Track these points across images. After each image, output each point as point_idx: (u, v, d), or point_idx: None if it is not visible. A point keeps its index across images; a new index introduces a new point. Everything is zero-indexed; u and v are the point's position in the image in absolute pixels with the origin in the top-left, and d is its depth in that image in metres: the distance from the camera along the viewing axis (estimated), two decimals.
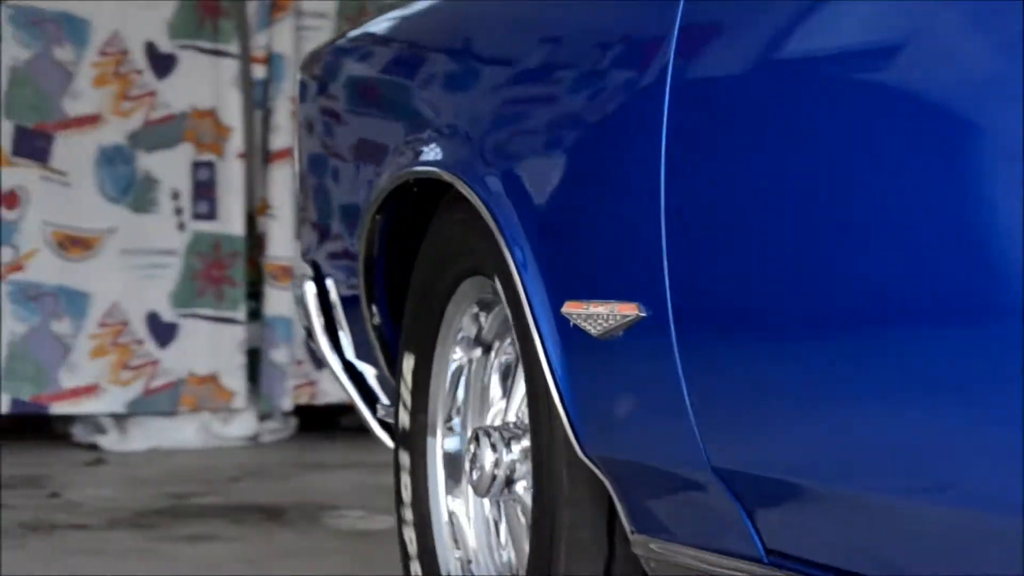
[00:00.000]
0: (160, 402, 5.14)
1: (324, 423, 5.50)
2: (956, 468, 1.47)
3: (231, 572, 3.45)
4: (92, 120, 5.23)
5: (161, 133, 5.31)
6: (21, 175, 5.15)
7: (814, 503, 1.73)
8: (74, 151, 5.20)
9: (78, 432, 5.16)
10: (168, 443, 5.15)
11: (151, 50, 5.27)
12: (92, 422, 5.10)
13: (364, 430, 2.90)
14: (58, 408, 5.19)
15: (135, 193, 5.24)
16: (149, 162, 5.22)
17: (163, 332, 5.28)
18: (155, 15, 5.25)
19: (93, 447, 5.10)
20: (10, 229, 5.13)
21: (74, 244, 5.26)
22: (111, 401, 5.07)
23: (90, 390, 5.12)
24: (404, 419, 2.43)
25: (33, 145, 5.18)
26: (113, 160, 5.22)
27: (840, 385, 1.58)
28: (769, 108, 1.62)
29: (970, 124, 1.41)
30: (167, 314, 5.35)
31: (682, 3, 1.74)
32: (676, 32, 1.75)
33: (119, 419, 5.14)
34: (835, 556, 1.70)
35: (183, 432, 5.19)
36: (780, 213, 1.63)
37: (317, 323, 2.71)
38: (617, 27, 1.93)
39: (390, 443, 2.55)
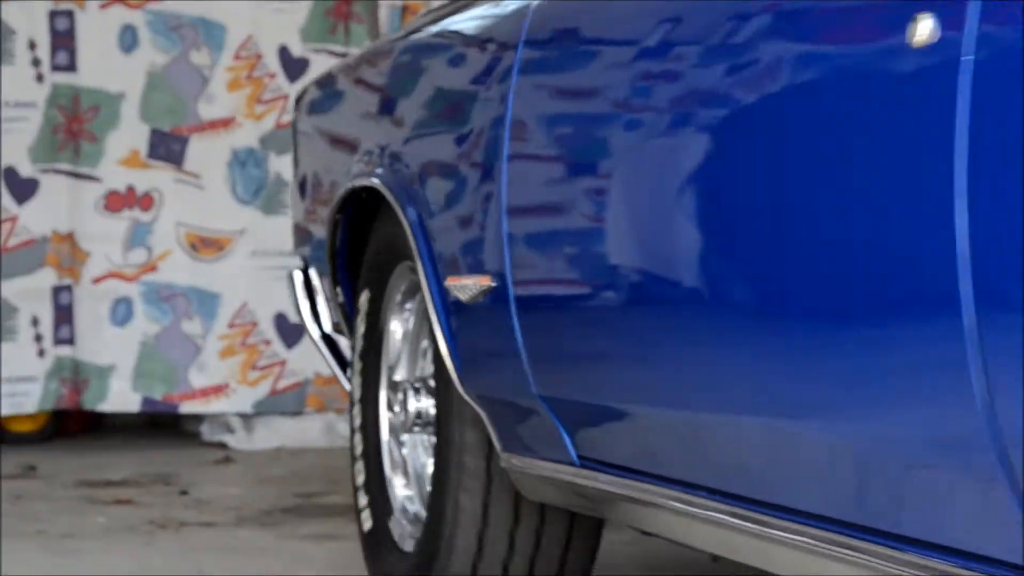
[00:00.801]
0: (287, 402, 5.35)
1: None
2: (704, 385, 2.16)
3: (356, 572, 3.56)
4: (225, 123, 5.49)
5: None
6: (156, 177, 5.42)
7: (611, 420, 2.46)
8: (207, 154, 5.46)
9: (206, 431, 5.38)
10: (294, 442, 5.35)
11: (284, 54, 5.53)
12: (220, 421, 5.30)
13: None
14: (188, 407, 5.42)
15: (265, 195, 5.49)
16: (280, 165, 5.42)
17: (290, 333, 5.49)
18: (288, 19, 5.49)
19: (221, 446, 5.30)
20: (144, 231, 5.40)
21: (206, 245, 5.51)
22: (239, 401, 5.30)
23: (219, 390, 5.33)
24: (357, 373, 3.30)
25: (168, 148, 5.44)
26: (245, 163, 5.49)
27: (623, 334, 2.35)
28: (569, 137, 2.45)
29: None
30: (294, 316, 5.50)
31: (520, 49, 2.54)
32: (509, 114, 2.56)
33: (246, 418, 5.35)
34: (626, 459, 2.42)
35: (309, 432, 5.40)
36: (570, 211, 2.45)
37: (303, 303, 3.55)
38: (466, 80, 2.79)
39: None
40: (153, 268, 5.47)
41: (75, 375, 5.21)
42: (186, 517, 4.26)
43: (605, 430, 2.62)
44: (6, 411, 5.27)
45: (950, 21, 1.61)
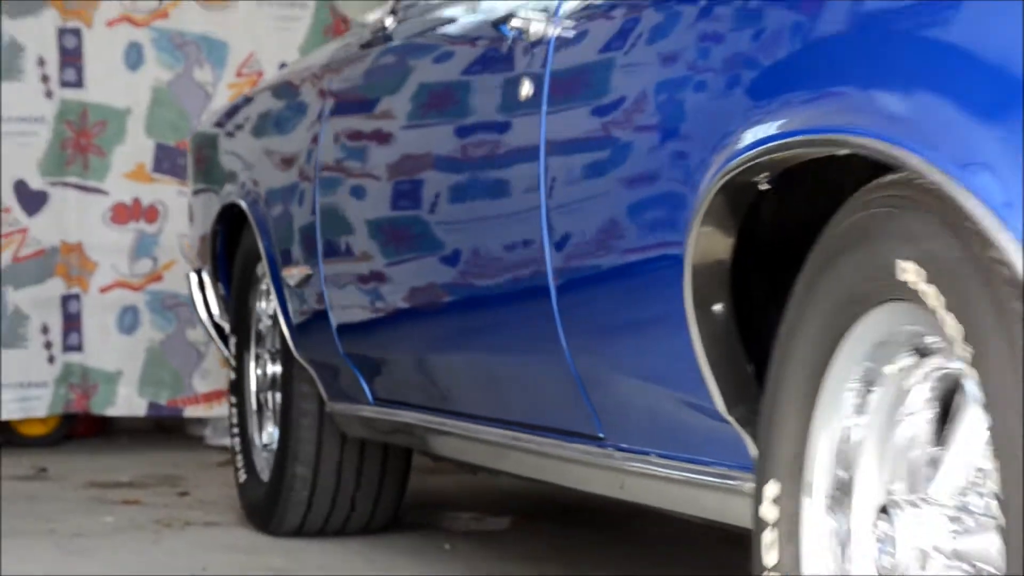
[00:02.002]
0: None
1: None
2: (433, 343, 3.29)
3: (353, 570, 3.86)
4: None
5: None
6: (161, 191, 5.66)
7: (390, 369, 3.51)
8: None
9: (210, 434, 5.67)
10: None
11: None
12: (223, 425, 5.58)
13: None
14: (191, 412, 5.67)
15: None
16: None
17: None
18: (288, 37, 5.73)
19: (224, 449, 5.51)
20: (150, 242, 5.64)
21: None
22: None
23: (220, 395, 5.54)
24: (232, 345, 4.42)
25: (173, 162, 5.66)
26: None
27: (391, 308, 3.41)
28: (355, 170, 3.57)
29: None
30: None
31: (327, 107, 3.73)
32: (319, 150, 3.79)
33: None
34: (407, 396, 3.48)
35: None
36: (358, 221, 3.52)
37: (196, 298, 4.55)
38: (290, 126, 4.01)
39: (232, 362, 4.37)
40: (159, 278, 5.69)
41: (84, 381, 5.44)
42: (191, 517, 4.41)
43: (387, 376, 3.56)
44: (18, 415, 5.50)
45: (534, 87, 2.67)
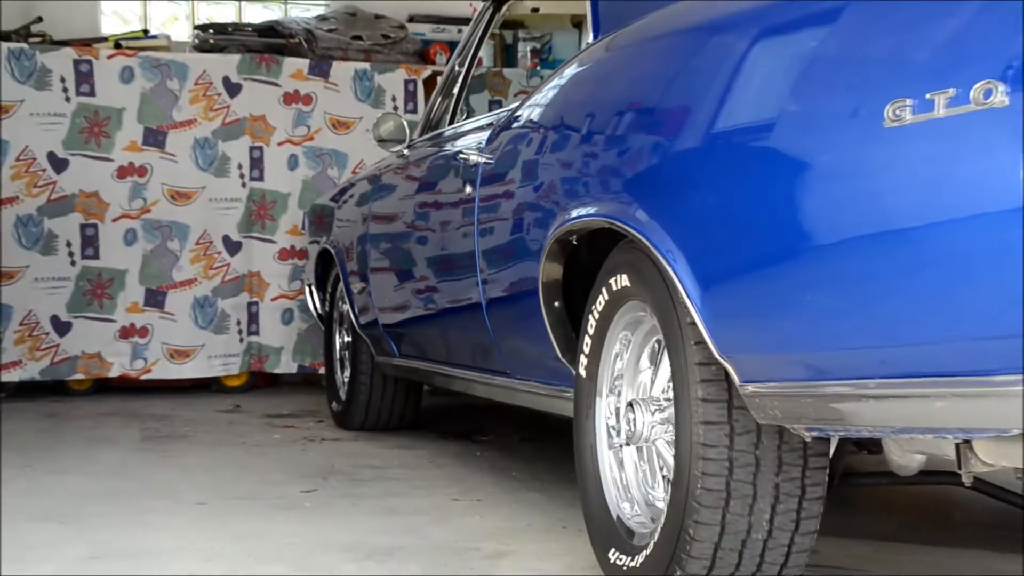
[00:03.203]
0: None
1: None
2: (427, 315, 3.89)
3: (424, 471, 3.99)
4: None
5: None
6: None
7: (405, 335, 4.21)
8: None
9: None
10: None
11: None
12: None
13: None
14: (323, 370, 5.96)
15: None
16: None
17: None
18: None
19: None
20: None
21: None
22: None
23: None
24: (325, 323, 5.23)
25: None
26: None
27: (402, 294, 4.03)
28: (383, 226, 4.25)
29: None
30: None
31: (372, 196, 4.49)
32: (370, 217, 4.47)
33: None
34: (414, 352, 4.20)
35: None
36: (387, 245, 4.17)
37: (309, 300, 5.30)
38: (352, 204, 4.74)
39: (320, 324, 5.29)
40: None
41: (260, 353, 6.16)
42: (324, 435, 4.74)
43: (404, 340, 4.24)
44: (220, 373, 6.14)
45: (472, 188, 3.32)
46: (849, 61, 1.85)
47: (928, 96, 1.67)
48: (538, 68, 6.62)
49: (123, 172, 5.82)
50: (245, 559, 2.81)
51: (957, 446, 1.96)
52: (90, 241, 5.78)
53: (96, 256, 5.80)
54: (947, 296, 1.68)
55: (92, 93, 5.79)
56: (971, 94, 1.62)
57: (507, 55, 6.92)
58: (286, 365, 6.13)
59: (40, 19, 6.09)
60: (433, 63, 6.42)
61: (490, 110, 4.17)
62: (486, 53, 6.76)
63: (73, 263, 5.78)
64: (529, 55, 6.65)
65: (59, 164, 5.74)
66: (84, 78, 5.80)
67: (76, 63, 5.80)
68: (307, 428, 4.90)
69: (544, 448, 4.40)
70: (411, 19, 6.75)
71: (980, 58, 1.63)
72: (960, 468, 1.98)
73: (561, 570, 2.69)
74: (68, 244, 5.77)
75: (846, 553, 2.90)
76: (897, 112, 1.72)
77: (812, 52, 1.92)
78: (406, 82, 6.20)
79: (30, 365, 5.73)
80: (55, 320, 5.77)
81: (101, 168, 5.82)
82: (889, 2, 1.78)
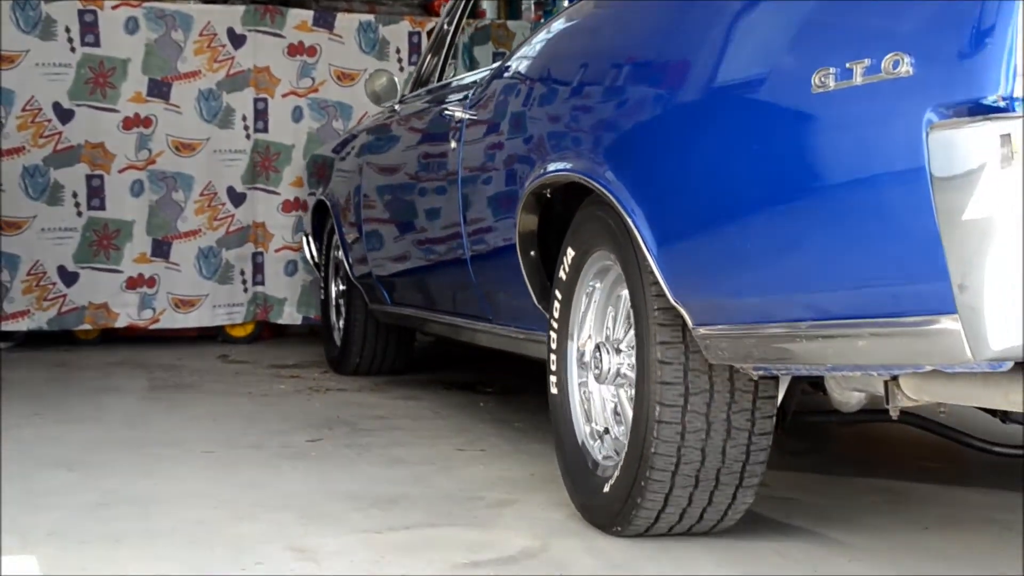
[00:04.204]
0: None
1: None
2: (413, 267, 4.20)
3: (429, 419, 4.07)
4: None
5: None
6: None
7: (395, 284, 4.43)
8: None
9: None
10: None
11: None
12: None
13: None
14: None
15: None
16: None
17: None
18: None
19: None
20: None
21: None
22: None
23: None
24: (322, 268, 5.46)
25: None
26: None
27: (391, 245, 4.33)
28: (375, 178, 4.56)
29: None
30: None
31: (365, 149, 4.79)
32: (362, 168, 4.78)
33: None
34: (405, 300, 4.42)
35: None
36: (378, 200, 4.45)
37: (306, 249, 5.57)
38: (350, 155, 4.97)
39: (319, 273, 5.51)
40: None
41: (265, 303, 6.35)
42: (329, 385, 4.88)
43: (395, 288, 4.48)
44: (224, 322, 6.36)
45: (456, 142, 3.53)
46: (782, 32, 2.10)
47: (848, 65, 1.93)
48: (542, 20, 6.59)
49: (128, 123, 5.99)
50: (251, 507, 2.88)
51: (885, 383, 2.22)
52: (96, 192, 5.96)
53: (102, 207, 5.98)
54: (865, 246, 1.94)
55: (97, 43, 5.96)
56: (882, 64, 1.88)
57: (511, 7, 7.11)
58: (290, 316, 6.31)
59: None
60: (438, 15, 6.48)
61: (493, 62, 4.38)
62: (490, 6, 7.01)
63: (79, 214, 5.96)
64: (533, 7, 6.79)
65: (65, 115, 5.91)
66: (89, 28, 5.95)
67: (81, 13, 5.97)
68: (312, 379, 5.02)
69: (546, 400, 4.58)
70: None
71: (891, 32, 1.89)
72: (888, 403, 2.27)
73: (563, 518, 2.78)
74: (74, 195, 5.93)
75: (796, 484, 3.11)
76: (822, 79, 1.98)
77: (753, 24, 2.19)
78: (410, 34, 6.40)
79: (38, 315, 5.94)
80: (62, 270, 5.96)
81: (107, 119, 5.98)
82: None
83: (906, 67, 1.83)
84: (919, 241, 1.81)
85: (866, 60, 1.89)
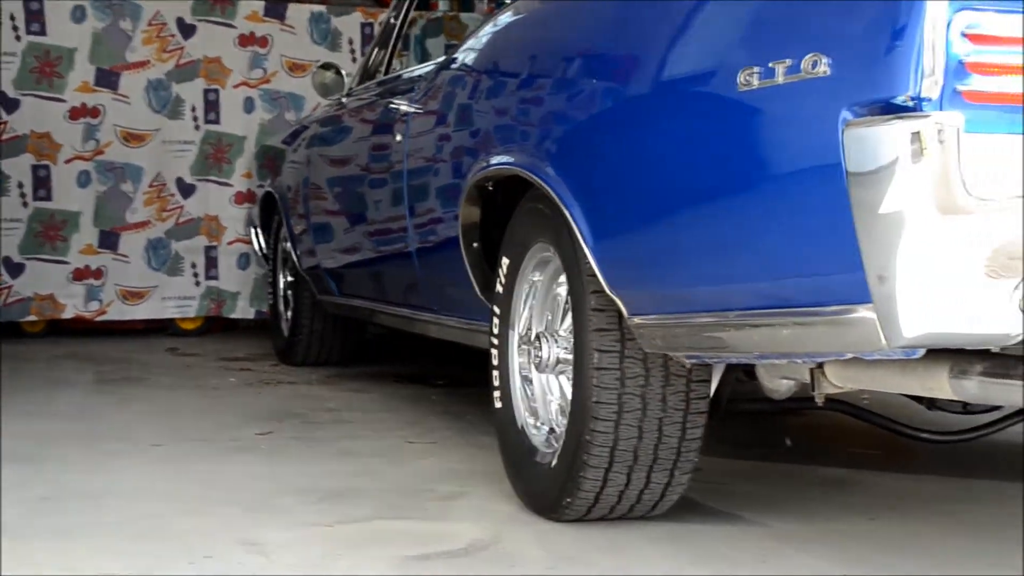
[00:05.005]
0: None
1: None
2: (360, 259, 4.29)
3: (379, 412, 4.51)
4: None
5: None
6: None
7: (342, 275, 4.53)
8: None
9: None
10: None
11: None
12: None
13: None
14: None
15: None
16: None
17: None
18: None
19: None
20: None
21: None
22: None
23: None
24: (270, 261, 5.56)
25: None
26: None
27: (337, 238, 4.43)
28: (321, 171, 4.68)
29: None
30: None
31: (313, 141, 4.87)
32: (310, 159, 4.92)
33: None
34: (353, 292, 4.49)
35: None
36: (324, 192, 4.55)
37: (254, 239, 5.67)
38: (298, 146, 5.00)
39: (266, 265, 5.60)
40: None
41: (219, 298, 6.43)
42: (280, 379, 4.96)
43: (343, 279, 4.54)
44: (174, 315, 6.43)
45: (402, 135, 3.63)
46: (712, 33, 2.22)
47: (771, 64, 2.06)
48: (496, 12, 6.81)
49: (76, 113, 6.05)
50: (201, 501, 2.90)
51: (811, 370, 2.34)
52: (43, 183, 6.02)
53: (49, 198, 6.05)
54: (787, 239, 2.06)
55: (43, 32, 6.01)
56: (802, 64, 2.01)
57: (465, 0, 7.25)
58: (243, 310, 6.41)
59: None
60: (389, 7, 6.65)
61: (445, 54, 4.47)
62: None
63: (25, 204, 6.02)
64: (486, 0, 6.90)
65: (10, 104, 5.97)
66: (34, 16, 5.99)
67: (26, 1, 5.97)
68: (262, 371, 5.09)
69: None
70: None
71: (810, 34, 2.01)
72: (813, 390, 2.40)
73: (514, 510, 2.81)
74: (20, 185, 6.00)
75: (742, 475, 3.21)
76: (747, 78, 2.10)
77: (685, 26, 2.30)
78: (363, 25, 6.49)
79: None
80: (7, 261, 6.03)
81: (53, 108, 6.04)
82: None
83: (824, 67, 1.95)
84: (837, 234, 1.90)
85: (787, 60, 2.01)
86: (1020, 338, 1.86)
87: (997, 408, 2.91)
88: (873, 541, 2.67)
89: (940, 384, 2.03)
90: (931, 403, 2.86)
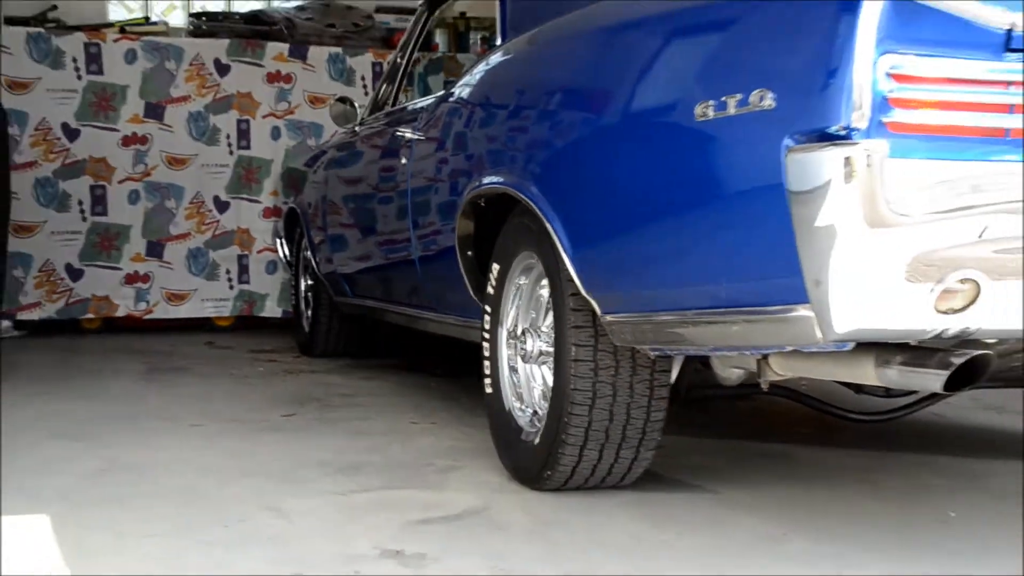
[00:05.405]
0: None
1: None
2: (371, 266, 4.22)
3: (388, 395, 4.66)
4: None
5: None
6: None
7: (357, 280, 4.47)
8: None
9: None
10: None
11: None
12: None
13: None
14: None
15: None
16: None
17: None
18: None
19: None
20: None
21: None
22: None
23: None
24: (292, 268, 5.52)
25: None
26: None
27: (348, 248, 4.44)
28: (337, 188, 4.63)
29: None
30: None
31: (331, 164, 4.83)
32: (328, 179, 4.85)
33: None
34: (365, 293, 4.44)
35: None
36: (340, 207, 4.49)
37: (279, 248, 5.59)
38: (319, 168, 5.01)
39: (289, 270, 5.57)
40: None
41: (250, 299, 6.38)
42: (303, 368, 4.90)
43: (356, 283, 4.50)
44: (211, 314, 6.39)
45: (407, 159, 3.63)
46: (673, 71, 2.23)
47: (723, 98, 2.06)
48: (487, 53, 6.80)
49: (127, 141, 6.01)
50: (234, 472, 2.88)
51: (758, 361, 2.33)
52: (99, 200, 5.98)
53: (105, 213, 6.01)
54: (737, 248, 2.06)
55: (100, 72, 6.00)
56: (750, 98, 2.01)
57: (461, 41, 7.18)
58: (271, 310, 6.36)
59: (55, 7, 6.37)
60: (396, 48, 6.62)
61: (444, 88, 4.44)
62: (442, 39, 7.10)
63: (84, 219, 5.98)
64: (479, 42, 6.94)
65: (72, 133, 5.95)
66: (93, 59, 5.98)
67: (86, 45, 6.00)
68: (287, 362, 5.02)
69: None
70: (378, 10, 6.99)
71: (758, 71, 2.01)
72: (760, 377, 2.39)
73: (502, 481, 2.81)
74: (80, 203, 5.97)
75: (700, 451, 3.22)
76: (704, 110, 2.10)
77: (650, 65, 2.30)
78: (373, 64, 6.47)
79: (47, 306, 5.97)
80: (69, 268, 5.99)
81: (108, 137, 6.00)
82: (704, 21, 2.18)
83: (769, 101, 1.95)
84: (779, 244, 1.90)
85: (738, 95, 2.01)
86: (934, 333, 1.87)
87: (913, 392, 2.91)
88: (809, 506, 2.67)
89: (867, 372, 2.04)
90: (858, 388, 2.84)
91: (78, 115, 5.96)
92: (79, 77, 5.98)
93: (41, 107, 5.90)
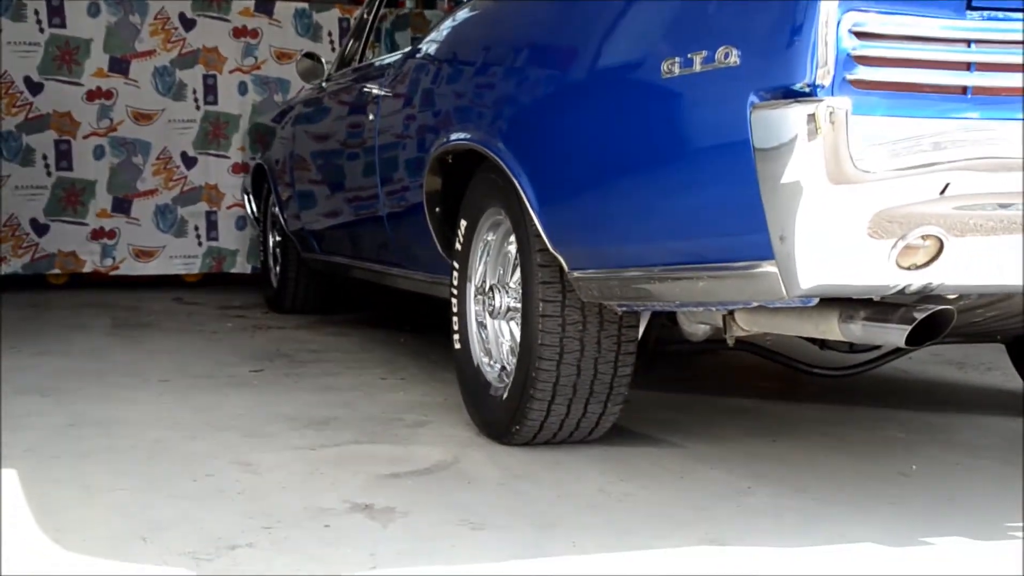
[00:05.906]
0: None
1: None
2: (340, 221, 4.18)
3: (353, 350, 4.58)
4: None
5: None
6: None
7: (324, 236, 4.44)
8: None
9: None
10: None
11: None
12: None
13: None
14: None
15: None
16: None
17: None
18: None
19: None
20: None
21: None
22: None
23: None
24: (261, 223, 5.48)
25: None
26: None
27: (317, 202, 4.40)
28: (304, 143, 4.60)
29: None
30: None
31: (298, 119, 4.78)
32: (295, 134, 4.84)
33: None
34: (334, 250, 4.39)
35: None
36: (308, 163, 4.46)
37: (247, 203, 5.49)
38: (287, 123, 4.91)
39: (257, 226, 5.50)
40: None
41: (219, 255, 6.39)
42: (272, 324, 4.92)
43: (324, 239, 4.47)
44: (180, 271, 6.40)
45: (374, 114, 3.61)
46: (641, 27, 2.22)
47: (689, 55, 2.06)
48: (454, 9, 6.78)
49: (92, 95, 6.01)
50: (203, 427, 2.88)
51: (723, 317, 2.37)
52: (64, 155, 5.97)
53: (70, 168, 6.01)
54: (703, 204, 2.07)
55: (63, 25, 5.98)
56: (716, 55, 2.01)
57: None
58: (241, 266, 6.39)
59: None
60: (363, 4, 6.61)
61: (411, 45, 4.43)
62: None
63: (49, 174, 5.99)
64: None
65: (35, 87, 5.95)
66: (56, 11, 5.96)
67: None
68: (255, 318, 5.06)
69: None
70: None
71: (723, 29, 2.01)
72: (726, 333, 2.42)
73: (471, 436, 2.82)
74: (44, 157, 5.96)
75: (666, 405, 3.24)
76: (670, 67, 2.10)
77: (618, 21, 2.29)
78: (340, 19, 6.45)
79: (13, 261, 6.00)
80: (34, 222, 6.01)
81: (72, 91, 6.00)
82: None
83: (734, 58, 1.96)
84: (744, 201, 1.92)
85: (703, 52, 2.02)
86: (896, 289, 1.89)
87: (877, 347, 2.96)
88: (774, 459, 2.69)
89: (831, 327, 2.06)
90: (823, 343, 2.87)
91: (41, 69, 5.94)
92: (41, 30, 5.93)
93: (3, 60, 5.84)
